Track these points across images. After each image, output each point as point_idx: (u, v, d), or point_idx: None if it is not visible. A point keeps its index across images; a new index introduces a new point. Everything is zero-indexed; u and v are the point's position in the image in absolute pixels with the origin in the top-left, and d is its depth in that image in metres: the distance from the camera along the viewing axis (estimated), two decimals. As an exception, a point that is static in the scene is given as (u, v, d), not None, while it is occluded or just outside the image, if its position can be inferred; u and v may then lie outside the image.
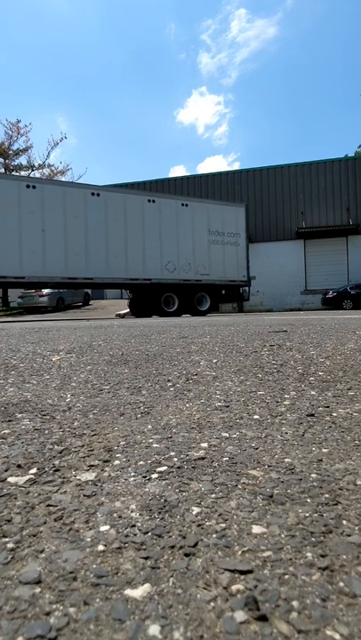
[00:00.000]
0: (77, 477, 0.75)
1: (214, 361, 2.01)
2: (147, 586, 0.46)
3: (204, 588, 0.46)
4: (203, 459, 0.83)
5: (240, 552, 0.52)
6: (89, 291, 19.89)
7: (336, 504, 0.64)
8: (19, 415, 1.16)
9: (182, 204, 12.88)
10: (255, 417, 1.12)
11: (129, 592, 0.45)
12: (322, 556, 0.51)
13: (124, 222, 11.57)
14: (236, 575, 0.48)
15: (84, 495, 0.68)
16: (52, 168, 22.66)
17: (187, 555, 0.52)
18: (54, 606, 0.43)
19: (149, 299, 12.36)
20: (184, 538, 0.56)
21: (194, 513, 0.62)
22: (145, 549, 0.53)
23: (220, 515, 0.61)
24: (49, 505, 0.65)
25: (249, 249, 14.49)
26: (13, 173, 20.31)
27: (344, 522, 0.59)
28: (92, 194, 11.09)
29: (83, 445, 0.92)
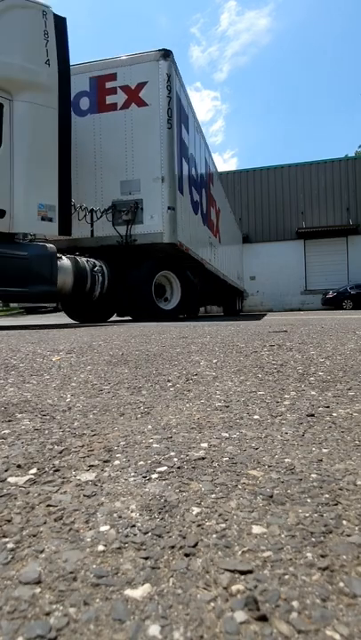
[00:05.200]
0: (77, 477, 0.75)
1: (214, 361, 2.01)
2: (147, 586, 0.46)
3: (204, 589, 0.46)
4: (203, 459, 0.83)
5: (240, 552, 0.52)
6: None
7: (336, 504, 0.64)
8: (19, 415, 1.16)
9: (237, 224, 16.83)
10: (255, 417, 1.12)
11: (129, 592, 0.45)
12: (322, 557, 0.51)
13: (232, 232, 14.62)
14: (236, 575, 0.48)
15: (84, 495, 0.68)
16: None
17: (187, 555, 0.52)
18: (54, 606, 0.43)
19: (230, 299, 15.49)
20: (184, 538, 0.56)
21: (194, 513, 0.62)
22: (145, 549, 0.53)
23: (220, 515, 0.61)
24: (49, 505, 0.65)
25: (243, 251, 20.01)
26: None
27: (344, 522, 0.59)
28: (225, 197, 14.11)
29: (83, 445, 0.92)
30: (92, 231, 7.07)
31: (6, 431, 1.02)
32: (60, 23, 5.85)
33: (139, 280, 7.18)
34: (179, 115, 7.23)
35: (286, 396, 1.33)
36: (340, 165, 22.17)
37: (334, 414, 1.13)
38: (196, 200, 8.71)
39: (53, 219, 5.96)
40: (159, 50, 6.84)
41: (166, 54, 6.83)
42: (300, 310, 20.03)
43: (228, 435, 0.97)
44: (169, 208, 6.86)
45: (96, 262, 6.84)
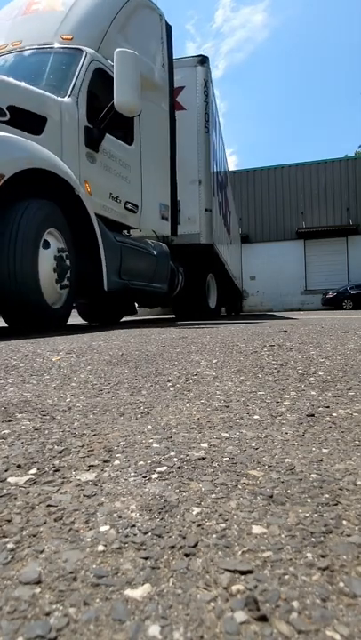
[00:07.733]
0: (77, 477, 0.75)
1: (214, 361, 2.01)
2: (147, 586, 0.46)
3: (204, 589, 0.46)
4: (203, 459, 0.83)
5: (240, 552, 0.52)
6: None
7: (336, 504, 0.64)
8: (19, 415, 1.16)
9: (238, 224, 17.64)
10: (255, 417, 1.12)
11: (129, 592, 0.45)
12: (322, 557, 0.51)
13: (236, 232, 16.31)
14: (236, 575, 0.48)
15: (84, 495, 0.68)
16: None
17: (187, 555, 0.52)
18: (54, 606, 0.43)
19: (232, 300, 16.55)
20: (184, 538, 0.56)
21: (194, 513, 0.62)
22: (145, 549, 0.53)
23: (220, 515, 0.61)
24: (49, 505, 0.65)
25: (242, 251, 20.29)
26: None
27: (344, 522, 0.59)
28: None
29: (83, 445, 0.92)
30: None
31: (6, 431, 1.02)
32: (169, 30, 5.87)
33: (199, 280, 7.43)
34: (212, 118, 7.30)
35: (286, 396, 1.33)
36: (340, 165, 22.16)
37: (334, 414, 1.13)
38: (220, 201, 8.74)
39: (167, 218, 5.97)
40: (196, 56, 6.99)
41: (203, 60, 6.93)
42: (300, 310, 20.03)
43: (228, 435, 0.97)
44: (206, 210, 6.94)
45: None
